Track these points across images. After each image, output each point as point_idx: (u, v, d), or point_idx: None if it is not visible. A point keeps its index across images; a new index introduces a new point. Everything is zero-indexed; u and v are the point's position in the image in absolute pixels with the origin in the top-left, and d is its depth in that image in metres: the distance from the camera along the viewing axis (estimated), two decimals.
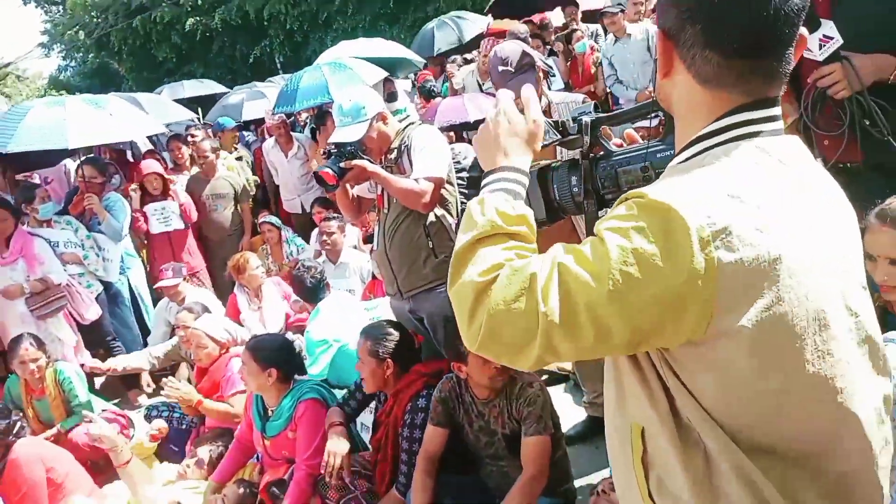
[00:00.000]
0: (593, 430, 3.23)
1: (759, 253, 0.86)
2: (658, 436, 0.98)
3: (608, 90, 6.22)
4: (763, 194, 0.89)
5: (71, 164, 5.93)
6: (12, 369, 3.91)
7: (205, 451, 3.41)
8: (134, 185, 5.51)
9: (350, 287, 4.76)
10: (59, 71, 26.16)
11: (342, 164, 2.71)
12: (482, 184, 1.10)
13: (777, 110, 0.97)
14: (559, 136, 1.16)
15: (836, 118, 2.01)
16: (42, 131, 4.64)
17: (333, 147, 2.77)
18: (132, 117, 5.34)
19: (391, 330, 2.94)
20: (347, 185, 2.93)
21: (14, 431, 3.26)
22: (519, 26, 6.05)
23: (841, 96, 1.96)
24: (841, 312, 0.94)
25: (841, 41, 1.95)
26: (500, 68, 2.75)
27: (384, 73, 6.74)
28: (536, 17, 6.55)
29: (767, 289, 0.87)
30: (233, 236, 5.82)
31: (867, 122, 1.93)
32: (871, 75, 1.92)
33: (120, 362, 4.26)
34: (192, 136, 6.37)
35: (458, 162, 2.95)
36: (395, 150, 2.87)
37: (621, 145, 1.17)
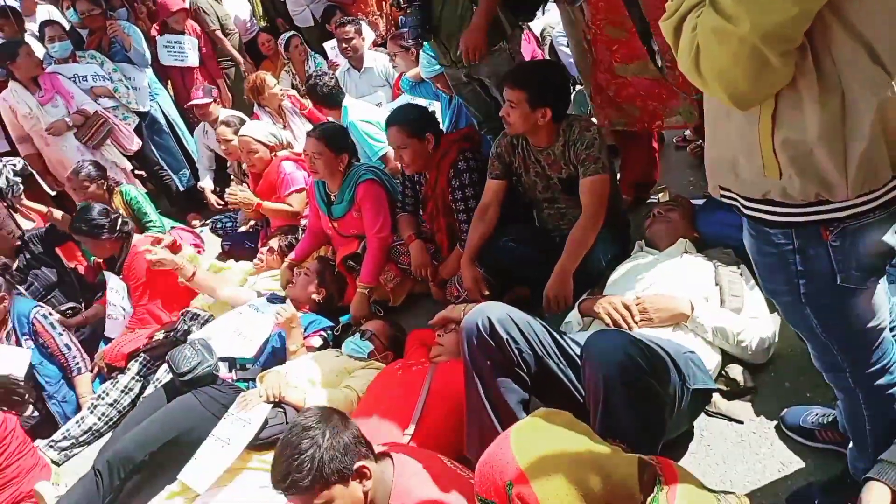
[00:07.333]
0: None
1: None
2: (794, 82, 1.02)
3: None
4: None
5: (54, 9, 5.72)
6: None
7: (275, 242, 3.68)
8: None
9: (377, 101, 4.75)
10: None
11: None
12: None
13: None
14: None
15: None
16: None
17: None
18: None
19: (416, 110, 3.07)
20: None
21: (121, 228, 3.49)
22: None
23: None
24: None
25: None
26: None
27: None
28: None
29: None
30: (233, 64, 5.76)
31: None
32: None
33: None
34: None
35: None
36: None
37: None
